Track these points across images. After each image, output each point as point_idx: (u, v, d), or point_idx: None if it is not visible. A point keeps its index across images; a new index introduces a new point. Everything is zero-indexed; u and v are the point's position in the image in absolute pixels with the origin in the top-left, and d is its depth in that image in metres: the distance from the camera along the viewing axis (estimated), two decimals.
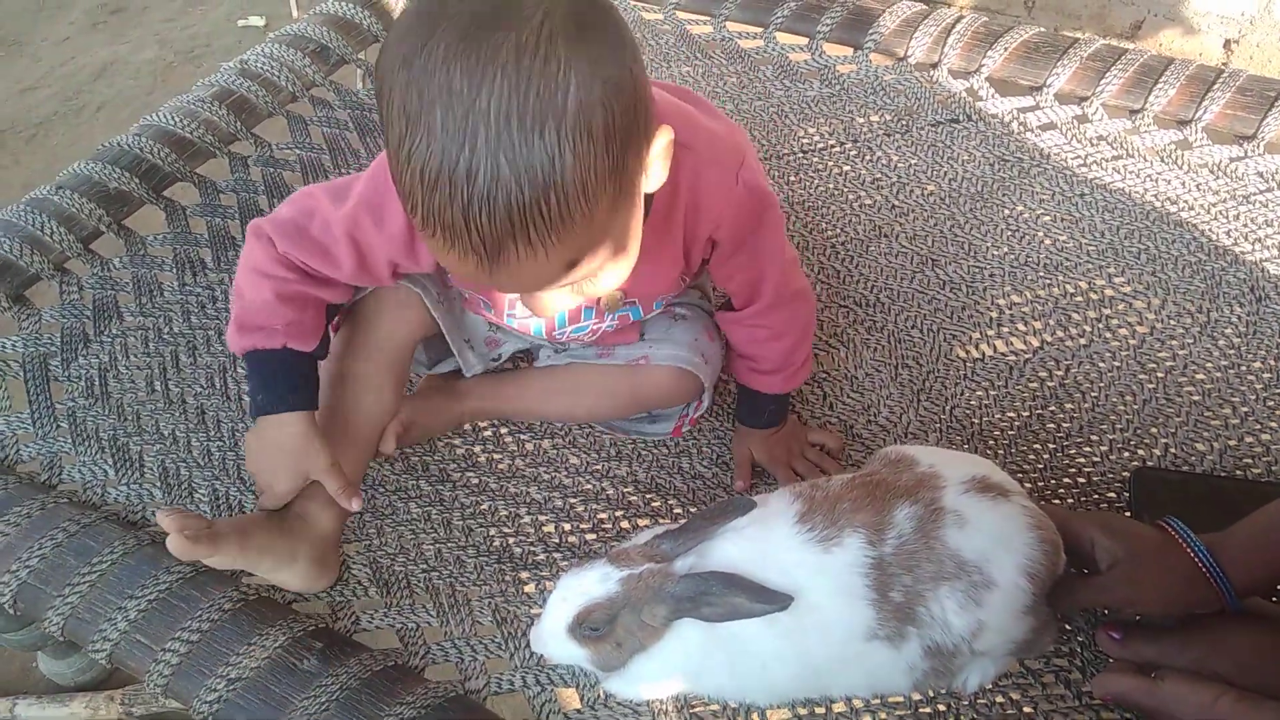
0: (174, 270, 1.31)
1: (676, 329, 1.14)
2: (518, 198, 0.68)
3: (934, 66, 1.60)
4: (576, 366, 1.16)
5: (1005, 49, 1.55)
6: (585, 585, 0.84)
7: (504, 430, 1.18)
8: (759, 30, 1.70)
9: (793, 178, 1.49)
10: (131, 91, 2.94)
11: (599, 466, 1.14)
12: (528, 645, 0.94)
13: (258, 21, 3.07)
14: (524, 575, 1.03)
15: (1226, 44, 2.43)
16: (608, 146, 0.70)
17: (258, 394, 0.99)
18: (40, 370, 1.19)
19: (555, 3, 0.69)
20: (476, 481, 1.12)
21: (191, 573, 0.98)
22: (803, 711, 0.92)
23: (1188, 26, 2.45)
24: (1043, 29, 1.61)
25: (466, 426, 1.18)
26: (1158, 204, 1.40)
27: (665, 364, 1.11)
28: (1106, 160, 1.46)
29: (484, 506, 1.10)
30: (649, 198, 0.85)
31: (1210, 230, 1.36)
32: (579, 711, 0.92)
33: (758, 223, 1.00)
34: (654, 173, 0.81)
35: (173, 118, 1.42)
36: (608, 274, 0.83)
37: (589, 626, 0.84)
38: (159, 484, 1.09)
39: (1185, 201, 1.40)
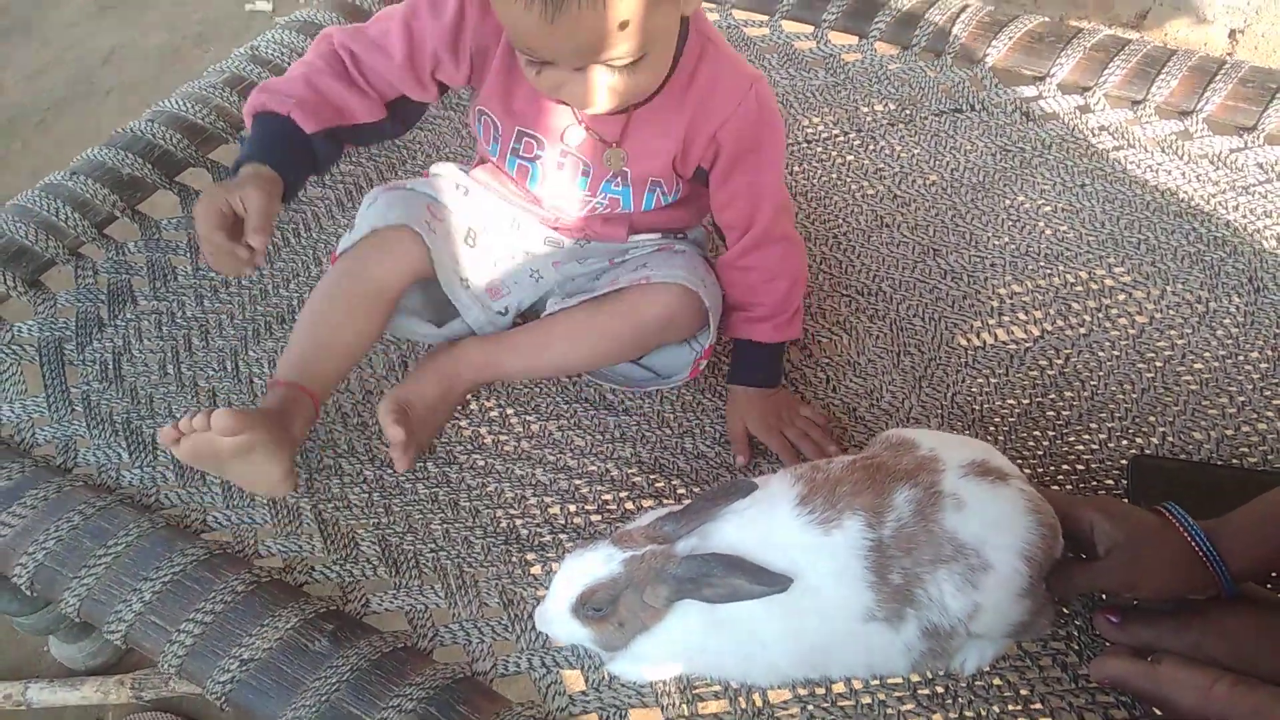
0: (187, 254, 1.33)
1: (676, 259, 1.16)
2: None
3: (938, 55, 1.61)
4: (571, 313, 1.15)
5: (1010, 38, 1.56)
6: (589, 566, 0.86)
7: (510, 411, 1.20)
8: (765, 18, 1.71)
9: (796, 167, 1.50)
10: (140, 76, 2.95)
11: (604, 448, 1.16)
12: (534, 628, 0.97)
13: (265, 6, 3.07)
14: (530, 557, 1.05)
15: (1232, 34, 2.43)
16: None
17: (246, 148, 1.05)
18: (55, 354, 1.21)
19: None
20: (483, 463, 1.14)
21: (205, 555, 1.00)
22: (803, 692, 0.94)
23: (1193, 16, 2.45)
24: (1047, 19, 1.62)
25: (473, 407, 1.20)
26: (1158, 195, 1.41)
27: (667, 280, 1.12)
28: (1108, 151, 1.47)
29: (490, 488, 1.12)
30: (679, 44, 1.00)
31: (1210, 221, 1.37)
32: (584, 693, 0.94)
33: (760, 139, 1.08)
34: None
35: (185, 104, 1.44)
36: (644, 69, 0.93)
37: (592, 607, 0.85)
38: (172, 467, 1.11)
39: (1185, 192, 1.41)
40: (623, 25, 0.86)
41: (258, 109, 1.07)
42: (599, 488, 1.12)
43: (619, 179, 1.13)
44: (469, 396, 1.20)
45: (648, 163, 1.10)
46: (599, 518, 1.10)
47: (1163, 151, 1.46)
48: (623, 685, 0.94)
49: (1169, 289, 1.30)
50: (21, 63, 3.00)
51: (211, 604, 0.95)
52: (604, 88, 0.93)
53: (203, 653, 0.93)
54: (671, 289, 1.12)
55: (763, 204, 1.11)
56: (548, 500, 1.11)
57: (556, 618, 0.87)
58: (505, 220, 1.21)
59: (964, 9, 1.62)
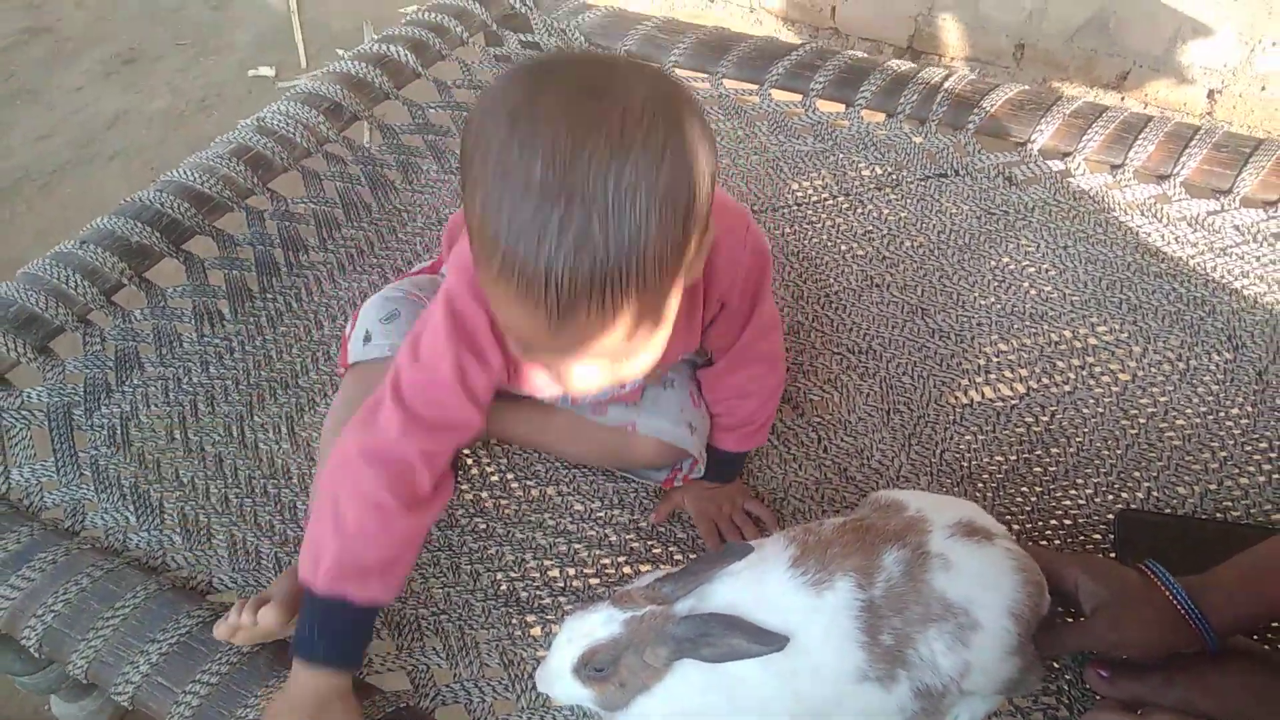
0: (193, 322, 1.36)
1: (664, 397, 1.16)
2: (602, 258, 0.70)
3: (923, 122, 1.66)
4: (568, 415, 1.18)
5: (991, 106, 1.61)
6: (589, 627, 0.88)
7: (510, 476, 1.22)
8: (754, 87, 1.76)
9: (788, 229, 1.54)
10: (144, 141, 3.00)
11: (602, 514, 1.18)
12: (534, 687, 0.98)
13: (268, 71, 3.14)
14: (530, 619, 1.07)
15: (1210, 94, 2.50)
16: (684, 226, 0.74)
17: (319, 642, 0.91)
18: (64, 419, 1.24)
19: (656, 89, 0.74)
20: (484, 527, 1.17)
21: (211, 616, 1.02)
22: None
23: (1173, 77, 2.51)
24: (1027, 87, 1.68)
25: (474, 472, 1.22)
26: (1139, 256, 1.45)
27: (650, 435, 1.14)
28: (1089, 213, 1.52)
29: (491, 551, 1.14)
30: None
31: (1189, 281, 1.41)
32: None
33: (761, 285, 1.06)
34: (696, 266, 0.85)
35: (192, 174, 1.48)
36: (644, 356, 0.85)
37: (593, 667, 0.87)
38: (179, 530, 1.14)
39: (1165, 253, 1.45)
40: (629, 334, 0.78)
41: (335, 595, 0.91)
42: (597, 552, 1.14)
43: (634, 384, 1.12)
44: (470, 460, 1.23)
45: (668, 361, 1.06)
46: (597, 581, 1.12)
47: (1142, 214, 1.51)
48: None
49: (1150, 347, 1.34)
50: (27, 126, 3.06)
51: (217, 665, 0.97)
52: (596, 377, 0.86)
53: (209, 714, 0.94)
54: (655, 441, 1.14)
55: (753, 327, 1.09)
56: (547, 563, 1.13)
57: (558, 678, 0.89)
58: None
59: (947, 77, 1.67)
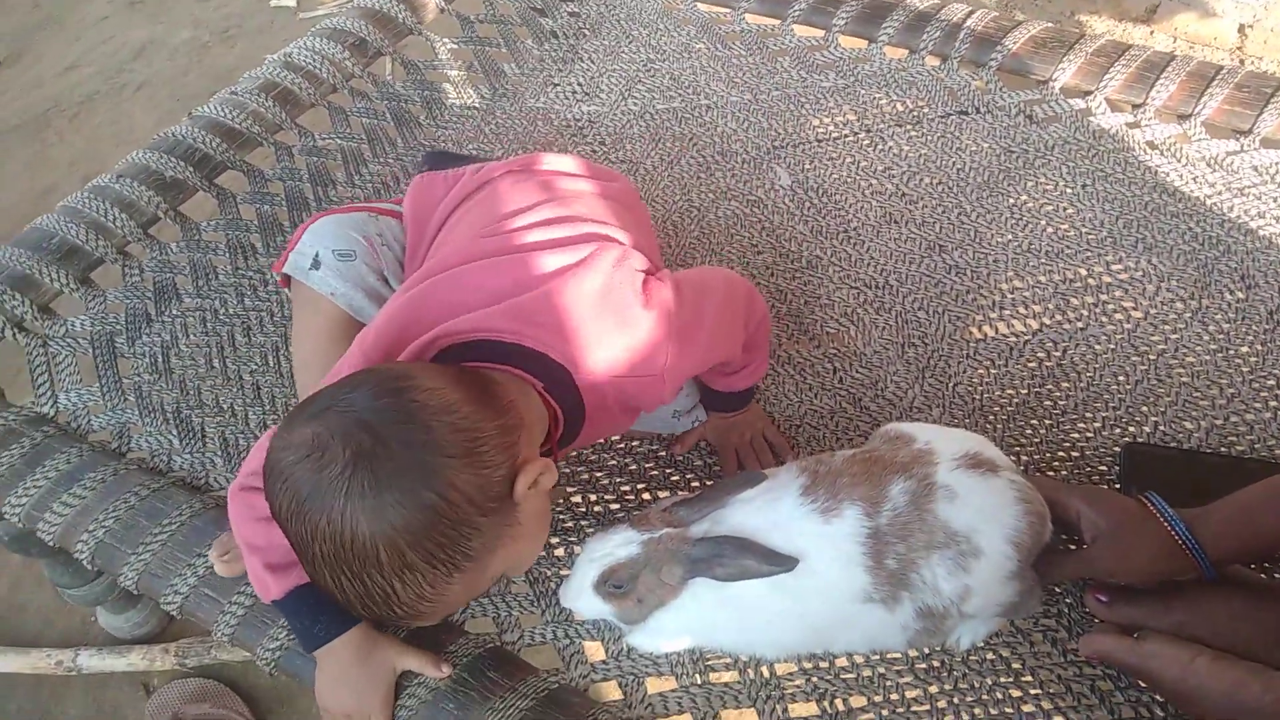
0: (227, 255, 1.41)
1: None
2: (378, 615, 0.84)
3: (945, 59, 1.66)
4: None
5: (1014, 43, 1.61)
6: (609, 547, 0.93)
7: None
8: (777, 23, 1.76)
9: (808, 165, 1.56)
10: (169, 72, 3.02)
11: (622, 444, 1.23)
12: (557, 603, 1.04)
13: (289, 2, 3.14)
14: (553, 540, 1.12)
15: (1241, 29, 2.46)
16: (433, 564, 0.81)
17: (314, 627, 0.95)
18: (108, 347, 1.29)
19: (358, 462, 0.78)
20: None
21: None
22: (807, 665, 1.00)
23: (1202, 10, 2.48)
24: (1051, 24, 1.67)
25: None
26: (1156, 195, 1.46)
27: (641, 428, 1.20)
28: (1108, 152, 1.52)
29: None
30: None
31: (1205, 221, 1.42)
32: (604, 663, 1.01)
33: (703, 365, 1.08)
34: (532, 502, 0.89)
35: (222, 109, 1.51)
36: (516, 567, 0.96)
37: (613, 584, 0.93)
38: (220, 453, 1.19)
39: (1183, 193, 1.46)
40: (467, 592, 0.90)
41: (289, 589, 0.95)
42: (617, 479, 1.19)
43: None
44: None
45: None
46: (617, 506, 1.17)
47: (1161, 154, 1.51)
48: (640, 656, 1.01)
49: (1164, 285, 1.36)
50: (55, 57, 3.08)
51: None
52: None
53: (253, 622, 1.01)
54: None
55: (735, 354, 1.11)
56: (569, 489, 1.18)
57: (580, 594, 0.95)
58: None
59: (970, 14, 1.67)
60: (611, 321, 0.98)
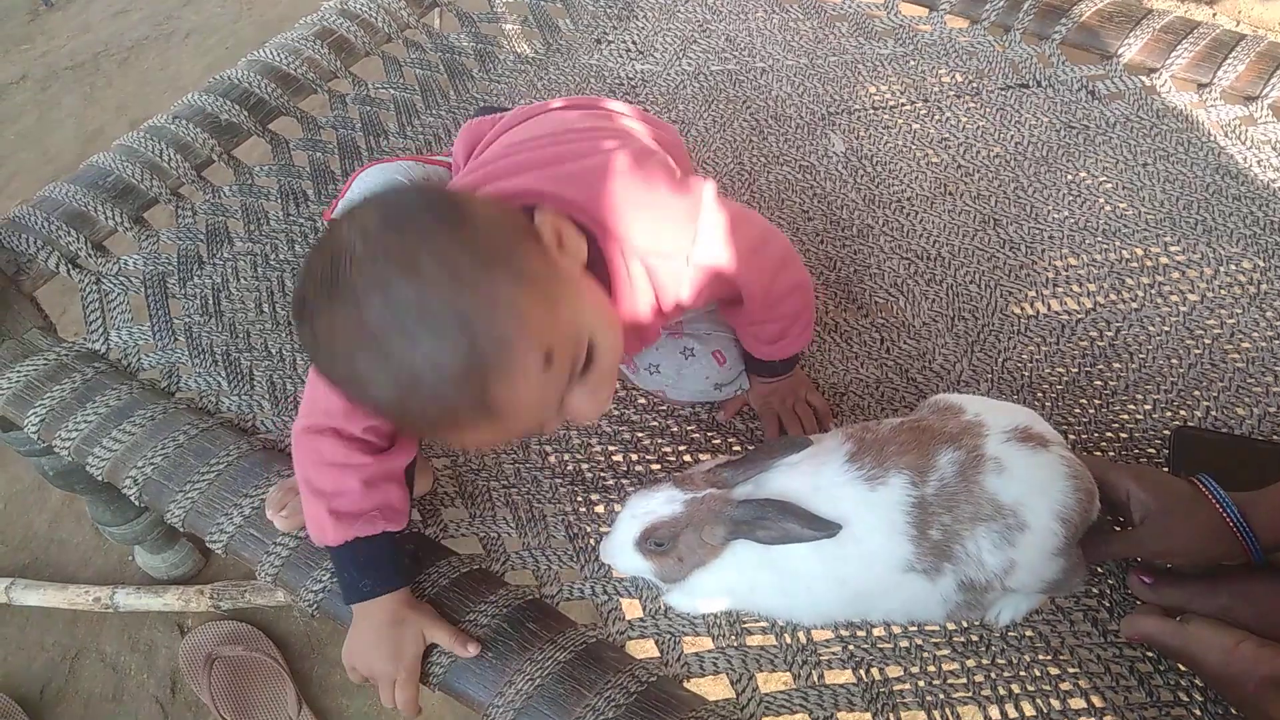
0: (279, 200, 1.41)
1: (688, 369, 1.17)
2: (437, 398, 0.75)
3: (1007, 31, 1.63)
4: None
5: (1079, 17, 1.58)
6: (652, 505, 0.93)
7: None
8: None
9: (863, 133, 1.54)
10: (219, 19, 3.03)
11: (665, 405, 1.22)
12: (597, 559, 1.04)
13: None
14: (594, 497, 1.12)
15: None
16: (488, 266, 0.76)
17: (362, 581, 0.96)
18: (159, 287, 1.30)
19: (378, 250, 0.74)
20: None
21: None
22: (844, 632, 1.01)
23: None
24: None
25: None
26: (1218, 177, 1.43)
27: (683, 398, 1.20)
28: (1171, 132, 1.49)
29: (559, 434, 1.19)
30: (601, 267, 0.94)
31: (1267, 206, 1.39)
32: (641, 620, 1.01)
33: (721, 274, 1.02)
34: (569, 262, 0.86)
35: (278, 54, 1.51)
36: (604, 351, 0.86)
37: (654, 542, 0.93)
38: (267, 396, 1.20)
39: (1245, 176, 1.43)
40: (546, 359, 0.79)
41: (348, 539, 0.95)
42: (659, 440, 1.19)
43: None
44: None
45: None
46: (658, 467, 1.17)
47: (1225, 135, 1.48)
48: (677, 615, 1.01)
49: (1222, 269, 1.33)
50: (105, 2, 3.10)
51: None
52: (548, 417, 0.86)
53: (297, 564, 1.02)
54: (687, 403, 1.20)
55: (756, 288, 1.06)
56: (612, 449, 1.18)
57: (621, 550, 0.95)
58: None
59: None
60: (642, 191, 0.96)
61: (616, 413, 1.21)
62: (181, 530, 1.09)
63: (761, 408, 1.20)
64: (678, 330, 1.20)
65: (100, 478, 1.13)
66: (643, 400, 1.23)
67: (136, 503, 1.12)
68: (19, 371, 1.19)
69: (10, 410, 1.18)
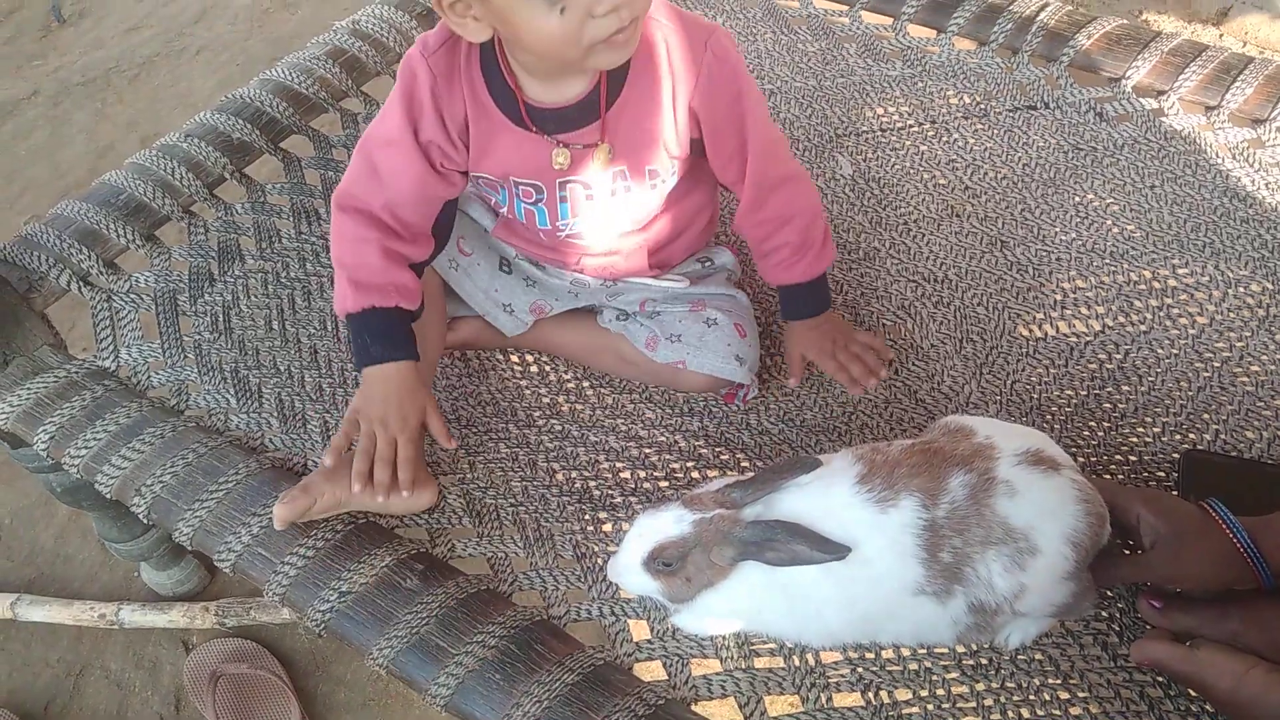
0: (291, 219, 1.42)
1: (710, 335, 1.21)
2: None
3: (1015, 53, 1.63)
4: (624, 344, 1.25)
5: (1087, 39, 1.58)
6: (660, 524, 0.93)
7: (586, 383, 1.27)
8: (845, 8, 1.75)
9: (870, 154, 1.55)
10: (230, 36, 3.05)
11: (673, 420, 1.23)
12: (605, 579, 1.04)
13: None
14: (602, 515, 1.12)
15: None
16: None
17: (372, 347, 1.10)
18: (170, 304, 1.31)
19: None
20: (560, 428, 1.22)
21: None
22: (853, 654, 1.00)
23: (1276, 14, 2.42)
24: (1124, 21, 1.64)
25: (551, 378, 1.28)
26: (1226, 200, 1.44)
27: (699, 372, 1.21)
28: (1179, 154, 1.49)
29: (566, 450, 1.19)
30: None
31: (1276, 229, 1.39)
32: (649, 642, 1.01)
33: (735, 94, 1.10)
34: None
35: (290, 73, 1.52)
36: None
37: (662, 562, 0.92)
38: (276, 414, 1.20)
39: (1254, 199, 1.43)
40: None
41: (365, 307, 1.09)
42: (667, 456, 1.19)
43: (621, 187, 1.14)
44: (549, 367, 1.30)
45: (639, 153, 1.12)
46: (666, 484, 1.17)
47: (1234, 158, 1.48)
48: (685, 637, 1.01)
49: (1231, 292, 1.33)
50: (118, 18, 3.11)
51: (314, 540, 1.03)
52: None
53: (304, 584, 1.02)
54: (706, 377, 1.21)
55: (754, 154, 1.13)
56: (619, 465, 1.18)
57: (628, 570, 0.95)
58: (534, 271, 1.27)
59: (1043, 8, 1.64)
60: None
61: (624, 427, 1.22)
62: (189, 548, 1.09)
63: (819, 358, 1.23)
64: (700, 304, 1.25)
65: (109, 495, 1.14)
66: (650, 414, 1.23)
67: (145, 520, 1.12)
68: (29, 389, 1.20)
69: (20, 427, 1.19)
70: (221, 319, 1.30)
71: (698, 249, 1.30)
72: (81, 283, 1.31)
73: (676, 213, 1.21)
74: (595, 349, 1.28)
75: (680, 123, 1.10)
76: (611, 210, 1.16)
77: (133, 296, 1.31)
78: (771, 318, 1.33)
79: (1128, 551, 1.05)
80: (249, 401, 1.22)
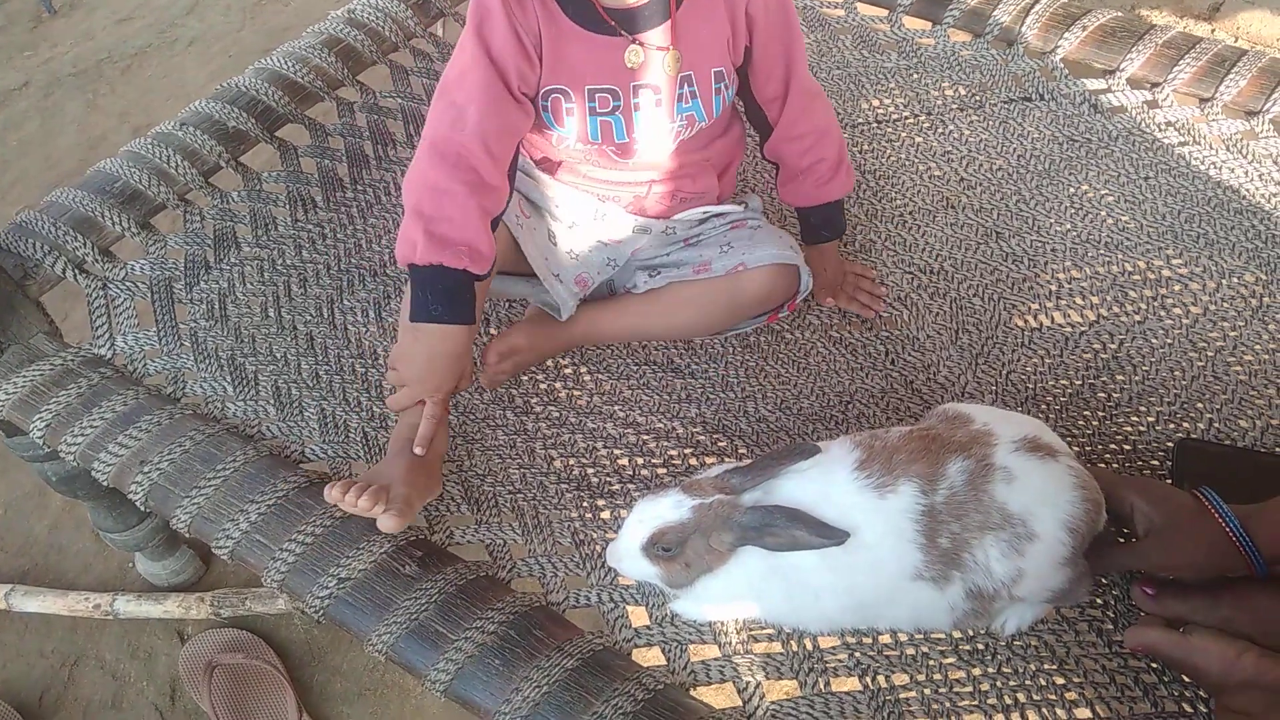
0: (287, 206, 1.42)
1: (759, 235, 1.27)
2: None
3: (1010, 45, 1.64)
4: (673, 288, 1.26)
5: (1082, 31, 1.59)
6: (660, 510, 0.94)
7: (584, 370, 1.27)
8: (840, 0, 1.75)
9: (865, 146, 1.55)
10: (222, 28, 3.03)
11: (670, 407, 1.23)
12: (603, 566, 1.04)
13: None
14: (600, 502, 1.13)
15: None
16: None
17: (432, 305, 1.08)
18: (166, 292, 1.31)
19: None
20: (557, 415, 1.22)
21: (305, 483, 1.09)
22: (851, 640, 1.01)
23: (1268, 9, 2.44)
24: (1119, 13, 1.65)
25: (549, 364, 1.27)
26: (1220, 191, 1.44)
27: (764, 264, 1.23)
28: (1173, 146, 1.50)
29: (564, 438, 1.19)
30: None
31: (1269, 219, 1.40)
32: (647, 627, 1.01)
33: (782, 4, 1.18)
34: None
35: (285, 62, 1.51)
36: None
37: (661, 547, 0.93)
38: (272, 402, 1.20)
39: (1247, 190, 1.44)
40: None
41: (434, 263, 1.06)
42: (665, 443, 1.19)
43: (687, 93, 1.17)
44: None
45: (704, 55, 1.16)
46: (664, 470, 1.17)
47: (1227, 149, 1.49)
48: (684, 623, 1.01)
49: (1225, 282, 1.34)
50: (110, 9, 3.10)
51: (312, 527, 1.03)
52: None
53: (303, 570, 1.02)
54: (768, 270, 1.23)
55: (796, 62, 1.21)
56: (617, 452, 1.18)
57: (627, 555, 0.95)
58: (589, 212, 1.27)
59: (1037, 1, 1.65)
60: None
61: (622, 414, 1.22)
62: (187, 536, 1.09)
63: (835, 290, 1.33)
64: (740, 222, 1.30)
65: (106, 483, 1.13)
66: (648, 400, 1.23)
67: (142, 508, 1.12)
68: (25, 377, 1.19)
69: (16, 415, 1.18)
70: (218, 306, 1.30)
71: (733, 191, 1.36)
72: (77, 270, 1.30)
73: (725, 143, 1.28)
74: (647, 317, 1.28)
75: (739, 28, 1.16)
76: (680, 121, 1.19)
77: (128, 284, 1.31)
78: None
79: (1122, 540, 1.05)
80: (245, 389, 1.21)
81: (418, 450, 1.08)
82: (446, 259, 1.06)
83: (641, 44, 1.12)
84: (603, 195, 1.26)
